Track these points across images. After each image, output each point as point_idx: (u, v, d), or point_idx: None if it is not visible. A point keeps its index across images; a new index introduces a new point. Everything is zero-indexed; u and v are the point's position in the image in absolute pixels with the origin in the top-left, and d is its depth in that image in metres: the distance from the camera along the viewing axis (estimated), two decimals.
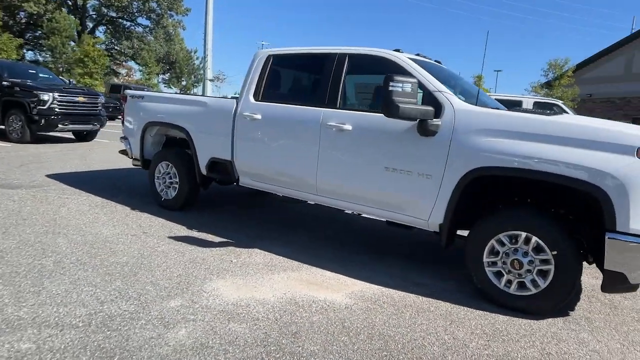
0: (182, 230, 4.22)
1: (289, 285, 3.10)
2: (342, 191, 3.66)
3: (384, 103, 2.98)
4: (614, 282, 2.60)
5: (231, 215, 4.98)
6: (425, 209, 3.21)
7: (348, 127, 3.50)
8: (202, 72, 18.16)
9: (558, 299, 2.80)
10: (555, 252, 2.72)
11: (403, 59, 3.48)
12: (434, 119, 3.07)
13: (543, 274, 2.81)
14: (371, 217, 3.84)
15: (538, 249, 2.80)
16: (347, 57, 3.74)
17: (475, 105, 3.21)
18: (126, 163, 6.60)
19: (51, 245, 3.50)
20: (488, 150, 2.89)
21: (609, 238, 2.54)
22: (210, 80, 15.00)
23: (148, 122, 5.04)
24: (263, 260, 3.56)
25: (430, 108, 3.06)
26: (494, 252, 2.97)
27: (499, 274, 2.97)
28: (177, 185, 4.86)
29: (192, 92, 37.21)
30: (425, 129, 3.08)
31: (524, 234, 2.83)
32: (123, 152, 5.62)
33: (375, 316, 2.72)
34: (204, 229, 4.28)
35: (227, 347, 2.26)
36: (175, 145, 5.23)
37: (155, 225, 4.30)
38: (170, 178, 4.92)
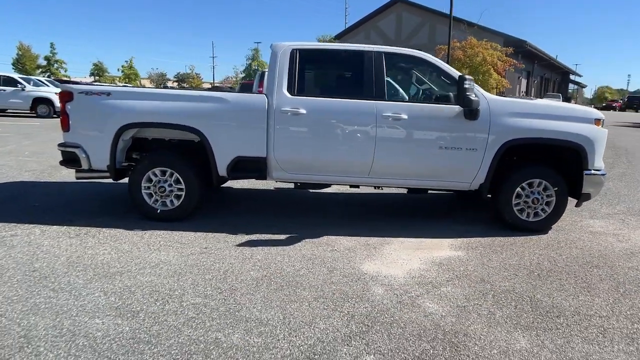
0: (240, 237, 4.00)
1: (412, 254, 3.71)
2: (397, 171, 4.34)
3: (463, 97, 3.88)
4: (585, 199, 4.39)
5: (243, 212, 4.82)
6: (470, 174, 4.30)
7: (404, 116, 4.17)
8: None
9: (555, 220, 4.45)
10: (556, 189, 4.32)
11: (437, 59, 4.35)
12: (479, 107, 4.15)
13: (548, 204, 4.38)
14: (417, 187, 4.64)
15: (545, 188, 4.35)
16: (383, 55, 4.31)
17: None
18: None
19: (168, 297, 2.95)
20: (515, 127, 4.18)
21: (585, 174, 4.27)
22: None
23: (125, 124, 4.19)
24: (357, 243, 3.94)
25: (477, 99, 4.10)
26: (518, 196, 4.37)
27: (521, 211, 4.40)
28: (181, 193, 4.33)
29: None
30: (474, 115, 4.12)
31: (537, 180, 4.32)
32: (68, 162, 4.40)
33: (488, 257, 3.72)
34: (256, 230, 4.17)
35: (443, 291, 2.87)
36: (156, 149, 4.55)
37: (209, 240, 3.91)
38: (171, 186, 4.33)
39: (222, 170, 4.33)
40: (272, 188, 6.03)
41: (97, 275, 3.09)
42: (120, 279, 3.04)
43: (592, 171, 4.28)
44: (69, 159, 4.40)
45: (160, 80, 59.75)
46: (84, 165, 4.29)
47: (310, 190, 5.80)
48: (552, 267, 3.53)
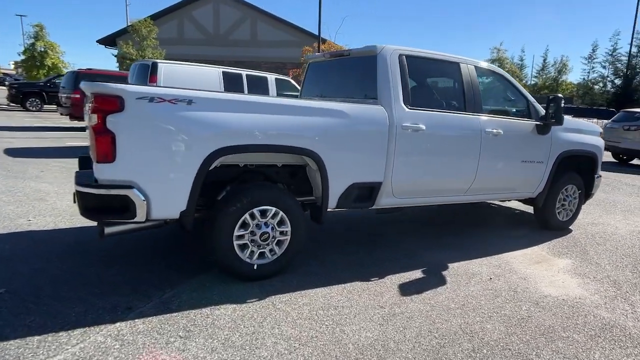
0: (378, 283, 3.21)
1: (535, 268, 3.73)
2: (490, 186, 4.26)
3: (558, 115, 4.10)
4: (589, 198, 5.28)
5: (324, 249, 3.85)
6: (536, 184, 4.61)
7: (500, 131, 4.12)
8: None
9: (575, 219, 5.18)
10: (580, 192, 5.05)
11: (509, 76, 4.42)
12: None
13: (575, 205, 5.08)
14: (490, 201, 4.62)
15: (574, 192, 5.02)
16: (476, 68, 4.13)
17: None
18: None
19: None
20: (566, 141, 4.68)
21: (596, 177, 5.14)
22: None
23: (220, 148, 2.79)
24: (487, 265, 3.71)
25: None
26: (559, 200, 4.91)
27: (559, 213, 4.97)
28: (284, 238, 3.19)
29: None
30: (546, 130, 4.41)
31: (570, 186, 4.95)
32: (106, 212, 2.63)
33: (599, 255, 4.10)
34: (375, 265, 3.42)
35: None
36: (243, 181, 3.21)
37: (357, 293, 3.00)
38: (273, 229, 3.13)
39: (333, 202, 3.38)
40: None
41: None
42: None
43: (598, 175, 5.19)
44: (110, 207, 2.64)
45: None
46: (139, 216, 2.64)
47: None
48: None
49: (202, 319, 2.57)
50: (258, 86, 10.27)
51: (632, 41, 21.23)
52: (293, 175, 3.57)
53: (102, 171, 2.57)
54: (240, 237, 3.01)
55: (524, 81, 35.57)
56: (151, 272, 3.16)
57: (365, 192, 3.55)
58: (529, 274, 3.61)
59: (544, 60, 35.97)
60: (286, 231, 3.18)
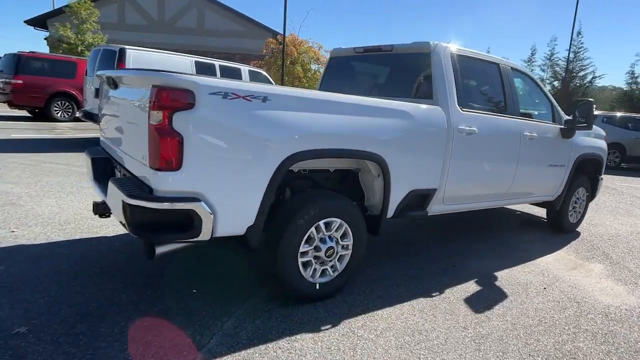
0: (449, 296, 3.00)
1: (575, 274, 3.72)
2: (523, 190, 4.19)
3: (590, 119, 4.09)
4: (593, 199, 5.43)
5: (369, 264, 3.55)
6: (557, 188, 4.62)
7: (535, 135, 4.05)
8: None
9: (582, 220, 5.30)
10: (588, 194, 5.17)
11: (536, 77, 4.36)
12: None
13: (583, 207, 5.18)
14: (513, 206, 4.54)
15: (584, 194, 5.12)
16: (511, 69, 4.01)
17: None
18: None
19: None
20: (583, 145, 4.73)
21: (600, 179, 5.28)
22: None
23: (295, 153, 2.40)
24: (534, 274, 3.63)
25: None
26: (571, 203, 4.98)
27: (571, 216, 5.04)
28: (345, 252, 2.87)
29: None
30: (571, 134, 4.42)
31: (581, 188, 5.04)
32: (165, 230, 2.15)
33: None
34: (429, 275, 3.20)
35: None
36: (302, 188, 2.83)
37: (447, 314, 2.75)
38: (337, 243, 2.79)
39: (392, 210, 3.10)
40: None
41: None
42: None
43: (601, 177, 5.35)
44: (169, 223, 2.16)
45: None
46: (203, 233, 2.19)
47: None
48: None
49: (285, 354, 2.19)
50: (231, 78, 9.66)
51: (570, 46, 22.76)
52: (342, 181, 3.23)
53: (163, 180, 2.09)
54: (304, 253, 2.64)
55: None
56: (194, 297, 2.70)
57: (419, 199, 3.31)
58: (575, 282, 3.57)
59: None
60: (348, 245, 2.85)
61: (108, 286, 2.71)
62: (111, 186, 2.34)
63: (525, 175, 4.08)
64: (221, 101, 2.14)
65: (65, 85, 12.07)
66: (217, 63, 9.84)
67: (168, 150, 2.05)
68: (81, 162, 6.62)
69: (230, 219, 2.29)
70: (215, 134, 2.15)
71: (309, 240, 2.65)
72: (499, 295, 3.18)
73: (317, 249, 2.68)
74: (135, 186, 2.24)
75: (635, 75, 21.08)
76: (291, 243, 2.54)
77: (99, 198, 2.81)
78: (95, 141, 9.04)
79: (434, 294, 3.09)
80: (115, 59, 7.98)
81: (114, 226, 3.82)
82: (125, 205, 2.13)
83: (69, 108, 12.30)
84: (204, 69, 9.47)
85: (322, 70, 20.39)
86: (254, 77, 10.39)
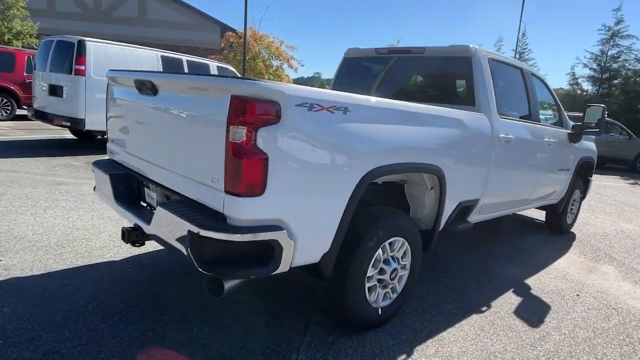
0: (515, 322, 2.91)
1: (595, 278, 3.82)
2: (539, 195, 4.21)
3: (601, 124, 4.20)
4: (583, 199, 5.66)
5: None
6: (562, 191, 4.72)
7: (552, 140, 4.09)
8: None
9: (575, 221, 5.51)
10: (582, 196, 5.36)
11: (548, 82, 4.41)
12: None
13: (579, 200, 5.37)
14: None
15: (581, 191, 5.29)
16: (530, 74, 4.01)
17: None
18: None
19: None
20: (583, 149, 4.88)
21: (590, 180, 5.50)
22: None
23: (375, 168, 2.17)
24: (563, 279, 3.66)
25: None
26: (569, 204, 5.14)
27: (568, 217, 5.20)
28: (404, 272, 2.68)
29: None
30: (578, 138, 4.52)
31: (577, 190, 5.21)
32: (246, 263, 1.83)
33: None
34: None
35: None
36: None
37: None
38: (398, 263, 2.59)
39: (443, 223, 2.95)
40: None
41: None
42: None
43: (591, 177, 5.58)
44: (247, 256, 1.84)
45: None
46: (282, 265, 1.90)
47: None
48: None
49: None
50: (200, 74, 9.10)
51: (516, 47, 24.09)
52: (388, 194, 3.03)
53: (243, 207, 1.77)
54: (370, 277, 2.42)
55: None
56: (246, 334, 2.38)
57: (464, 211, 3.19)
58: (599, 286, 3.63)
59: None
60: (406, 264, 2.66)
61: (149, 325, 2.32)
62: (164, 213, 1.97)
63: (543, 179, 4.12)
64: (306, 114, 1.85)
65: (2, 79, 10.80)
66: (184, 58, 9.22)
67: (252, 172, 1.73)
68: (44, 169, 5.87)
69: (308, 247, 2.01)
70: (300, 152, 1.87)
71: (375, 263, 2.42)
72: (542, 305, 3.15)
73: (381, 271, 2.47)
74: (199, 213, 1.89)
75: (576, 76, 22.83)
76: (361, 268, 2.31)
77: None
78: (56, 144, 8.08)
79: (483, 309, 2.99)
80: (74, 52, 7.17)
81: (116, 247, 3.35)
82: (194, 238, 1.79)
83: (8, 105, 11.02)
84: (170, 65, 8.84)
85: (284, 67, 19.96)
86: (223, 73, 9.86)
